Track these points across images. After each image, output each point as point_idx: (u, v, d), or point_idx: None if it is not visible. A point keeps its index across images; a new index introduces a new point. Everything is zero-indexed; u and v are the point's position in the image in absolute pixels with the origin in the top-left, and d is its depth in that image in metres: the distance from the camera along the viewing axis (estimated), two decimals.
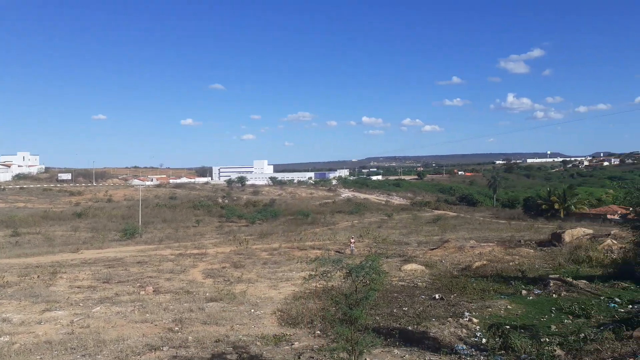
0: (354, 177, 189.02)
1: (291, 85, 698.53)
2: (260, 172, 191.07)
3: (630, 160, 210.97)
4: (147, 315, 18.16)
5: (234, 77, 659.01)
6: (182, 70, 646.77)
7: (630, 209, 13.95)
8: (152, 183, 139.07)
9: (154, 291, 22.56)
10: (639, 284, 21.39)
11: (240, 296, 21.35)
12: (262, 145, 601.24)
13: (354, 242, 35.32)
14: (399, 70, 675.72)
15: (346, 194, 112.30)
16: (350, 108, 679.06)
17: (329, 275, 9.62)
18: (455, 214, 70.08)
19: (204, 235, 46.49)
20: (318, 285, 19.41)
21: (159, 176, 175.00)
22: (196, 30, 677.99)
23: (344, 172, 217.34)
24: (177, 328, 16.28)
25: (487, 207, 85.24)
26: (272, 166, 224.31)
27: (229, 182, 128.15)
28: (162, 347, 13.96)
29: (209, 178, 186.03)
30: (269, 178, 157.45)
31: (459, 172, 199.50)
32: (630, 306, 18.14)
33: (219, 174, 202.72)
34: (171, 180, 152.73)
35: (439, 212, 72.35)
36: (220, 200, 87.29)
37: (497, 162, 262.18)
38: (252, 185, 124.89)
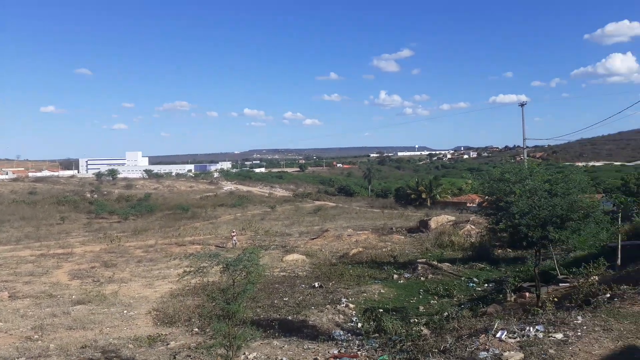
0: (237, 170, 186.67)
1: (168, 72, 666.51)
2: (134, 165, 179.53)
3: (486, 154, 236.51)
4: (1, 324, 16.19)
5: (103, 61, 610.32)
6: (42, 52, 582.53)
7: (485, 197, 15.68)
8: (7, 177, 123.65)
9: (9, 297, 20.18)
10: (493, 264, 24.09)
11: (111, 297, 19.94)
12: (135, 135, 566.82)
13: (236, 235, 34.88)
14: (280, 63, 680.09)
15: (229, 187, 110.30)
16: (232, 99, 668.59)
17: (205, 270, 9.30)
18: (334, 204, 72.57)
19: (70, 234, 42.50)
20: (197, 282, 18.82)
21: (16, 169, 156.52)
22: (60, 7, 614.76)
23: (227, 165, 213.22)
24: (36, 336, 14.73)
25: (363, 197, 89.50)
26: (147, 158, 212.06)
27: (98, 175, 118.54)
28: (18, 358, 12.50)
29: (75, 171, 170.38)
30: (144, 171, 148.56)
31: (338, 165, 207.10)
32: (486, 285, 20.36)
33: (86, 166, 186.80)
34: (30, 174, 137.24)
35: (320, 202, 74.42)
36: (88, 195, 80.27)
37: (372, 155, 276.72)
38: (125, 179, 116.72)
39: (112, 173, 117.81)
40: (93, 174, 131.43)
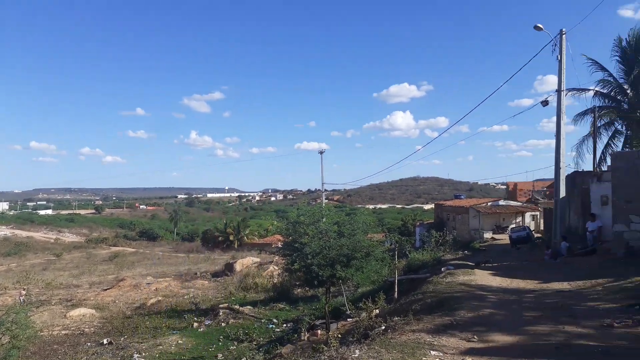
0: (16, 212, 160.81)
1: None
2: None
3: (291, 196, 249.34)
4: None
5: None
6: None
7: (286, 238, 16.39)
8: None
9: None
10: (293, 303, 24.92)
11: None
12: None
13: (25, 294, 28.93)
14: (79, 94, 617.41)
15: (3, 231, 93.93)
16: (14, 130, 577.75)
17: None
18: (134, 249, 67.48)
19: None
20: None
21: None
22: None
23: (3, 206, 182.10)
24: None
25: (167, 241, 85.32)
26: None
27: None
28: None
29: None
30: None
31: (141, 206, 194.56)
32: (285, 325, 20.86)
33: None
34: None
35: (117, 248, 68.46)
36: None
37: (180, 196, 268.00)
38: None
39: None
40: None
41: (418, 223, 50.35)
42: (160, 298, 28.00)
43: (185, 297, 28.73)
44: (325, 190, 48.77)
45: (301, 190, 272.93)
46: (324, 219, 14.56)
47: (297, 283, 26.18)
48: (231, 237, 70.25)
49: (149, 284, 32.78)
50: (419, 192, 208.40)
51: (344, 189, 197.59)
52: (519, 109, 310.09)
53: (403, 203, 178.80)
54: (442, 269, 17.60)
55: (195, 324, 21.58)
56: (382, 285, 20.44)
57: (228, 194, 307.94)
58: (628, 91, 25.33)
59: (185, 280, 34.65)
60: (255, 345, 17.84)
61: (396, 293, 17.68)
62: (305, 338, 15.31)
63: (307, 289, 26.18)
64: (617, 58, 25.73)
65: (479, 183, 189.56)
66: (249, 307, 24.38)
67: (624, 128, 25.91)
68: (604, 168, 22.20)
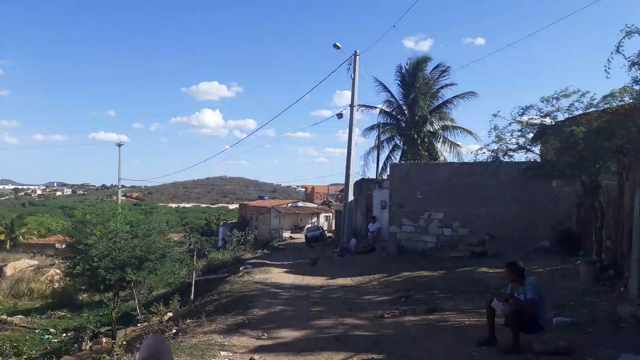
0: None
1: None
2: None
3: (82, 191, 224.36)
4: None
5: None
6: None
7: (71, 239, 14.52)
8: None
9: None
10: (76, 310, 22.39)
11: None
12: None
13: None
14: None
15: None
16: None
17: None
18: None
19: None
20: None
21: None
22: None
23: None
24: None
25: None
26: None
27: None
28: None
29: None
30: None
31: None
32: (65, 334, 18.58)
33: None
34: None
35: None
36: None
37: None
38: None
39: None
40: None
41: (222, 223, 50.25)
42: None
43: None
44: (123, 186, 45.31)
45: (94, 186, 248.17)
46: (116, 218, 13.37)
47: (82, 288, 23.63)
48: (2, 237, 60.14)
49: None
50: (225, 191, 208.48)
51: (145, 186, 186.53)
52: (319, 119, 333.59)
53: (209, 202, 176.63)
54: (241, 268, 17.85)
55: None
56: (179, 287, 19.76)
57: (1, 186, 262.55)
58: (406, 112, 29.38)
59: None
60: (26, 358, 15.50)
61: (192, 294, 17.29)
62: (87, 348, 13.87)
63: (95, 293, 23.86)
64: (398, 82, 29.68)
65: (282, 185, 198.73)
66: (20, 316, 21.15)
67: (401, 143, 29.95)
68: (385, 177, 25.32)
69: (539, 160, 13.41)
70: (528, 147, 12.03)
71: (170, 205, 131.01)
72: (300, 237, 33.30)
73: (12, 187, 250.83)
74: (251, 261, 20.32)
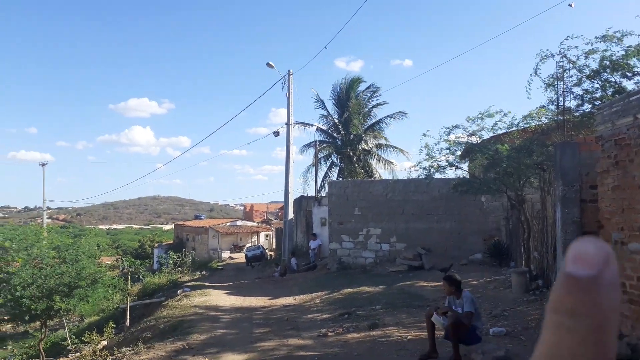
0: None
1: None
2: None
3: (1, 214, 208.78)
4: None
5: None
6: None
7: None
8: None
9: None
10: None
11: None
12: None
13: None
14: None
15: None
16: None
17: None
18: None
19: None
20: None
21: None
22: None
23: None
24: None
25: None
26: None
27: None
28: None
29: None
30: None
31: None
32: None
33: None
34: None
35: None
36: None
37: None
38: None
39: None
40: None
41: (157, 244, 48.46)
42: None
43: None
44: (48, 208, 42.62)
45: (16, 208, 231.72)
46: (41, 243, 12.56)
47: (5, 319, 21.88)
48: None
49: None
50: (159, 211, 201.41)
51: (73, 207, 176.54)
52: (256, 136, 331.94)
53: (141, 223, 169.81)
54: (179, 291, 17.29)
55: None
56: (113, 313, 18.79)
57: None
58: (341, 130, 29.99)
59: None
60: None
61: (127, 321, 16.50)
62: None
63: (20, 323, 22.18)
64: (333, 101, 30.31)
65: (220, 204, 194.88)
66: None
67: (338, 161, 30.46)
68: (323, 194, 25.60)
69: (467, 176, 14.12)
70: (457, 164, 12.65)
71: (100, 227, 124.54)
72: (240, 257, 32.81)
73: None
74: (189, 284, 19.74)
